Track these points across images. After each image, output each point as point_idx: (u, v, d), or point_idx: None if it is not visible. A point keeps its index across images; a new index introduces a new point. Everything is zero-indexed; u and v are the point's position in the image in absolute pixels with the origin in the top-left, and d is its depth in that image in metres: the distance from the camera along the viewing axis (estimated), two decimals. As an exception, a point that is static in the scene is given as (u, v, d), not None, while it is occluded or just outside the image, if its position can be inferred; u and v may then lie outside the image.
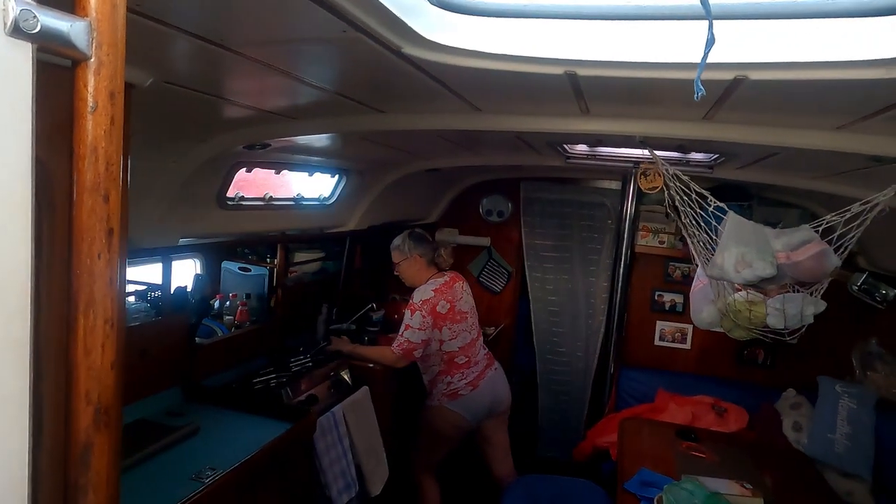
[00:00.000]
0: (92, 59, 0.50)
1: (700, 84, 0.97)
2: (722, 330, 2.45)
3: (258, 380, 2.61)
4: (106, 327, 0.54)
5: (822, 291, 2.11)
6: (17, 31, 0.44)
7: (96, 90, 0.50)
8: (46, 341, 0.52)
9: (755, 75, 1.15)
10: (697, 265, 2.39)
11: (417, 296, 2.87)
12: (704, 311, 2.56)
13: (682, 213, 2.09)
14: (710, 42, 0.95)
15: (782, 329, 2.13)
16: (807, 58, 1.08)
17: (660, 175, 2.19)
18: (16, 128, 0.45)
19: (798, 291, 2.11)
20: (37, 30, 0.46)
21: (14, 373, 0.47)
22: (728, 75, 1.18)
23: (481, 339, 3.11)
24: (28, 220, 0.47)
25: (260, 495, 2.02)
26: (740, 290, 2.21)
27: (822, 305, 2.09)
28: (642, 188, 2.26)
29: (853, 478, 2.88)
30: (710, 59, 1.18)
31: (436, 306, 2.84)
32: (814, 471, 2.69)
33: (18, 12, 0.44)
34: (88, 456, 0.54)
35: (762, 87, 1.24)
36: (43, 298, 0.51)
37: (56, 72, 0.50)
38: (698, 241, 2.15)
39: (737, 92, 1.30)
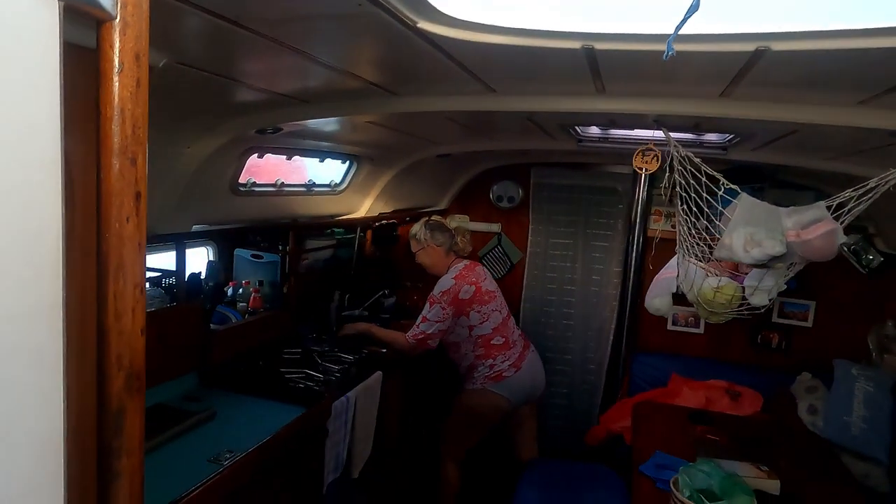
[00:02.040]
0: (117, 19, 0.49)
1: (672, 45, 0.96)
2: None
3: (275, 365, 2.63)
4: (136, 292, 0.54)
5: (799, 268, 2.09)
6: (44, -13, 0.44)
7: (122, 51, 0.50)
8: (77, 305, 0.52)
9: (777, 46, 1.13)
10: (677, 253, 2.38)
11: (438, 288, 2.88)
12: (658, 299, 2.64)
13: (679, 199, 2.06)
14: (694, 8, 0.93)
15: (767, 304, 2.14)
16: (831, 26, 1.06)
17: (657, 158, 2.18)
18: (45, 88, 0.45)
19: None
20: (63, -13, 0.45)
21: (49, 336, 0.47)
22: (749, 47, 1.15)
23: (513, 318, 3.12)
24: (58, 183, 0.47)
25: (275, 477, 2.03)
26: (710, 276, 2.24)
27: (793, 272, 2.08)
28: (634, 166, 2.23)
29: (870, 460, 2.86)
30: (730, 30, 1.17)
31: (457, 294, 2.84)
32: (830, 453, 2.68)
33: (45, -32, 0.44)
34: (121, 420, 0.54)
35: (784, 59, 1.22)
36: (72, 262, 0.50)
37: (81, 31, 0.49)
38: (690, 228, 2.12)
39: (757, 65, 1.28)
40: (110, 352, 0.53)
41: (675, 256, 2.33)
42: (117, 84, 0.49)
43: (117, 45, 0.49)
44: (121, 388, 0.54)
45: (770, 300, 2.11)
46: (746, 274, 2.22)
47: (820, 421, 3.02)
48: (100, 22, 0.49)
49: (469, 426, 2.97)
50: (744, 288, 2.17)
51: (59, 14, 0.46)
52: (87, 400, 0.53)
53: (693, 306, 2.38)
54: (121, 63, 0.49)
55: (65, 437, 0.50)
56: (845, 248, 3.11)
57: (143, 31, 0.50)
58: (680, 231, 2.19)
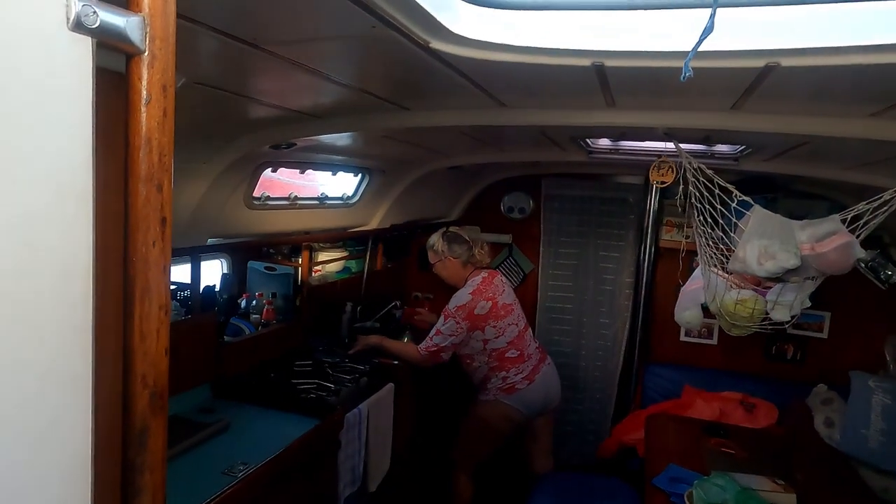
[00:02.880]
0: (146, 53, 0.51)
1: (689, 66, 0.97)
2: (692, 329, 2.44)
3: (288, 378, 2.65)
4: (160, 313, 0.56)
5: (819, 281, 2.09)
6: (78, 25, 0.46)
7: (150, 83, 0.52)
8: (105, 328, 0.54)
9: (787, 62, 1.14)
10: (698, 265, 2.38)
11: (453, 302, 2.85)
12: (688, 311, 2.60)
13: (695, 210, 2.07)
14: (708, 30, 0.95)
15: (788, 320, 2.13)
16: (840, 42, 1.07)
17: (672, 170, 2.18)
18: (78, 120, 0.47)
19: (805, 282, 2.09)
20: (96, 25, 0.47)
21: (79, 358, 0.49)
22: (759, 63, 1.16)
23: (530, 330, 3.10)
24: (89, 210, 0.49)
25: (290, 489, 2.05)
26: (733, 289, 2.23)
27: (813, 286, 2.07)
28: (651, 180, 2.24)
29: (888, 474, 2.81)
30: (739, 47, 1.18)
31: (473, 310, 2.82)
32: (847, 467, 2.64)
33: (80, 8, 0.46)
34: (145, 438, 0.55)
35: (794, 75, 1.22)
36: (101, 286, 0.52)
37: (112, 65, 0.52)
38: (706, 240, 2.13)
39: (767, 80, 1.28)
40: (136, 371, 0.55)
41: (699, 267, 2.33)
42: (145, 115, 0.52)
43: (145, 77, 0.51)
44: (145, 406, 0.56)
45: (793, 316, 2.09)
46: (769, 288, 2.20)
47: (837, 434, 2.97)
48: (129, 56, 0.51)
49: (481, 438, 2.96)
50: (766, 302, 2.16)
51: (92, 49, 0.48)
52: (114, 418, 0.55)
53: (714, 318, 2.38)
54: (148, 94, 0.52)
55: (93, 455, 0.52)
56: (862, 265, 3.07)
57: (169, 63, 0.53)
58: (699, 242, 2.19)
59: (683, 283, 3.75)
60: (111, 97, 0.51)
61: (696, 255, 3.67)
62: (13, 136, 0.43)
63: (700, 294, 2.42)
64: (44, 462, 0.48)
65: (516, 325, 2.96)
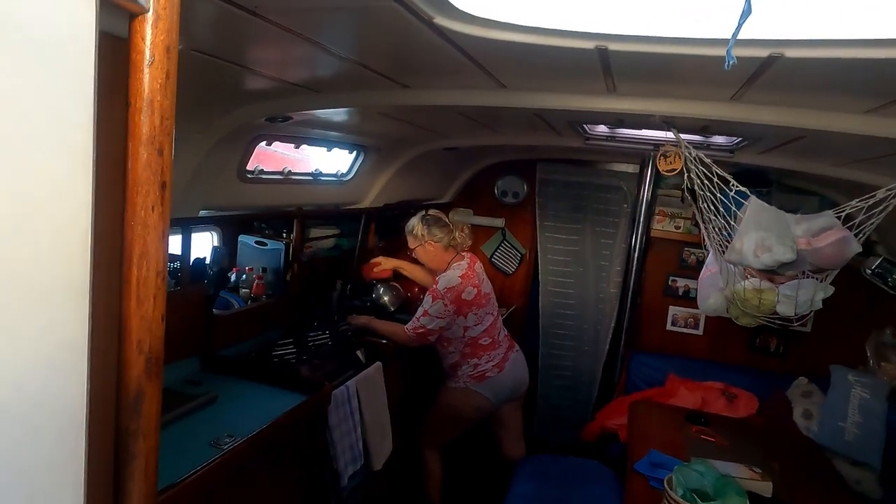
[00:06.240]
0: (150, 13, 0.50)
1: (731, 53, 0.96)
2: (728, 316, 2.47)
3: (277, 353, 2.65)
4: (157, 279, 0.55)
5: (832, 277, 2.11)
6: (81, -20, 0.45)
7: (153, 43, 0.51)
8: (101, 291, 0.53)
9: (791, 53, 1.14)
10: (709, 251, 2.39)
11: (442, 282, 2.79)
12: (711, 297, 2.58)
13: (699, 198, 2.08)
14: (747, 13, 0.93)
15: (792, 316, 2.14)
16: (846, 35, 1.07)
17: (680, 157, 2.18)
18: (80, 79, 0.46)
19: (808, 277, 2.10)
20: (99, -20, 0.46)
21: (75, 319, 0.49)
22: (762, 53, 1.16)
23: (500, 318, 3.09)
24: (89, 170, 0.48)
25: (275, 462, 2.06)
26: (749, 278, 2.22)
27: (831, 290, 2.10)
28: (660, 170, 2.24)
29: (862, 466, 2.88)
30: (744, 36, 1.17)
31: (461, 294, 2.79)
32: (823, 458, 2.70)
33: (83, -38, 0.44)
34: (140, 403, 0.55)
35: (796, 66, 1.22)
36: (99, 248, 0.52)
37: (115, 23, 0.50)
38: (713, 227, 2.14)
39: (769, 71, 1.28)
40: (131, 337, 0.54)
41: (711, 254, 2.33)
42: (147, 76, 0.50)
43: (149, 37, 0.50)
44: (140, 372, 0.55)
45: (797, 314, 2.10)
46: (783, 283, 2.20)
47: (814, 426, 3.04)
48: (132, 15, 0.50)
49: (449, 422, 2.97)
50: (778, 294, 2.17)
51: (96, 7, 0.47)
52: (108, 383, 0.55)
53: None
54: (152, 55, 0.50)
55: (87, 419, 0.51)
56: (868, 272, 3.10)
57: (174, 23, 0.51)
58: (706, 229, 2.19)
59: (671, 271, 3.80)
60: (113, 56, 0.50)
61: (687, 245, 3.76)
62: (14, 91, 0.42)
63: (718, 279, 2.41)
64: (37, 427, 0.47)
65: (492, 314, 2.96)
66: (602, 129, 2.72)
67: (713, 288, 2.47)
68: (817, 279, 2.04)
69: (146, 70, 0.50)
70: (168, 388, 2.09)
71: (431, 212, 3.06)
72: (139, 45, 0.50)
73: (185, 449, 1.78)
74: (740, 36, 1.17)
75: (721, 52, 1.22)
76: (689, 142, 2.27)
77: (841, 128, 1.64)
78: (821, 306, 2.08)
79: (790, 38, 1.09)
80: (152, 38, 0.50)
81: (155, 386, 0.57)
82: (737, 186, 1.93)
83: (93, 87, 0.47)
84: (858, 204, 1.83)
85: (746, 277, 2.18)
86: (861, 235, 1.86)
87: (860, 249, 1.88)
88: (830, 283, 2.06)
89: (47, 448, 0.49)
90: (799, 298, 2.00)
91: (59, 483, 0.50)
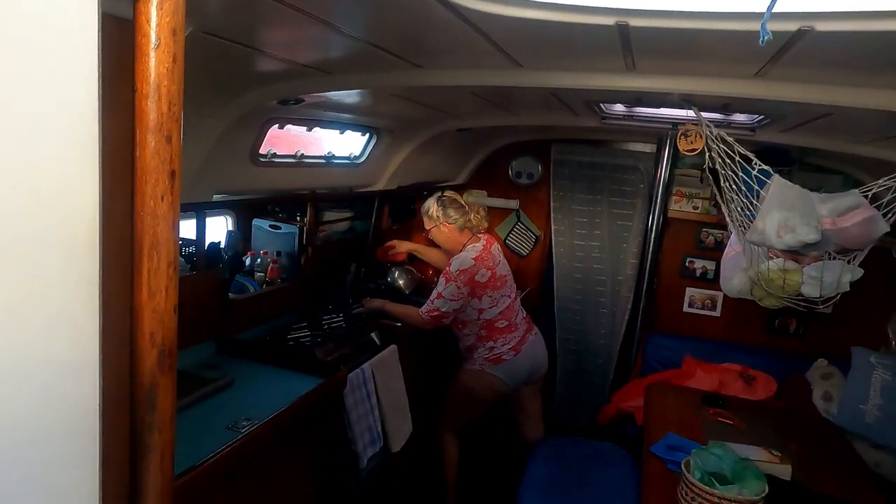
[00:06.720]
0: (154, -7, 0.48)
1: (766, 28, 0.91)
2: (752, 298, 2.43)
3: (292, 336, 2.66)
4: (169, 270, 0.54)
5: (861, 258, 2.05)
6: (82, -41, 0.43)
7: (158, 26, 0.49)
8: (111, 283, 0.52)
9: (822, 26, 1.08)
10: (731, 232, 2.34)
11: (455, 264, 2.80)
12: (735, 278, 2.52)
13: (721, 177, 2.03)
14: None
15: (817, 297, 2.09)
16: (878, 7, 1.01)
17: (701, 137, 2.12)
18: (84, 63, 0.44)
19: (834, 259, 2.05)
20: (101, -41, 0.44)
21: (86, 312, 0.47)
22: (792, 26, 1.11)
23: (518, 300, 3.08)
24: (95, 159, 0.46)
25: (293, 445, 2.08)
26: (774, 258, 2.17)
27: (860, 272, 2.04)
28: (681, 149, 2.18)
29: (882, 449, 2.84)
30: (774, 9, 1.12)
31: (474, 276, 2.79)
32: (842, 440, 2.67)
33: (84, -61, 0.42)
34: (154, 396, 0.54)
35: (826, 40, 1.17)
36: (107, 238, 0.50)
37: (118, 5, 0.48)
38: (735, 207, 2.09)
39: (797, 45, 1.23)
40: (143, 329, 0.53)
41: (733, 234, 2.28)
42: (153, 60, 0.48)
43: (154, 19, 0.48)
44: (153, 365, 0.54)
45: (822, 295, 2.05)
46: (808, 264, 2.15)
47: (834, 408, 3.00)
48: (136, -5, 0.48)
49: (465, 405, 2.98)
50: (803, 275, 2.12)
51: (97, -13, 0.45)
52: (121, 376, 0.54)
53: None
54: (157, 38, 0.48)
55: (100, 412, 0.51)
56: None
57: (179, 5, 0.49)
58: (728, 209, 2.14)
59: (688, 252, 3.74)
60: (117, 39, 0.48)
61: (705, 226, 3.70)
62: (14, 76, 0.40)
63: (741, 259, 2.36)
64: (49, 420, 0.46)
65: (509, 296, 2.94)
66: (619, 108, 2.66)
67: (737, 269, 2.41)
68: (844, 260, 1.98)
69: (152, 54, 0.48)
70: (185, 372, 2.14)
71: (447, 193, 3.06)
72: (144, 27, 0.48)
73: (203, 432, 1.80)
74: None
75: (746, 26, 1.17)
76: (710, 120, 2.21)
77: (871, 104, 1.57)
78: (848, 288, 2.02)
79: (821, 10, 1.04)
80: (158, 19, 0.48)
81: (169, 379, 0.56)
82: (760, 165, 1.88)
83: (97, 71, 0.45)
84: (886, 183, 1.77)
85: (771, 258, 2.13)
86: (890, 215, 1.80)
87: (888, 229, 1.82)
88: (859, 266, 1.99)
89: (60, 442, 0.48)
90: (824, 280, 1.95)
91: (75, 477, 0.49)
